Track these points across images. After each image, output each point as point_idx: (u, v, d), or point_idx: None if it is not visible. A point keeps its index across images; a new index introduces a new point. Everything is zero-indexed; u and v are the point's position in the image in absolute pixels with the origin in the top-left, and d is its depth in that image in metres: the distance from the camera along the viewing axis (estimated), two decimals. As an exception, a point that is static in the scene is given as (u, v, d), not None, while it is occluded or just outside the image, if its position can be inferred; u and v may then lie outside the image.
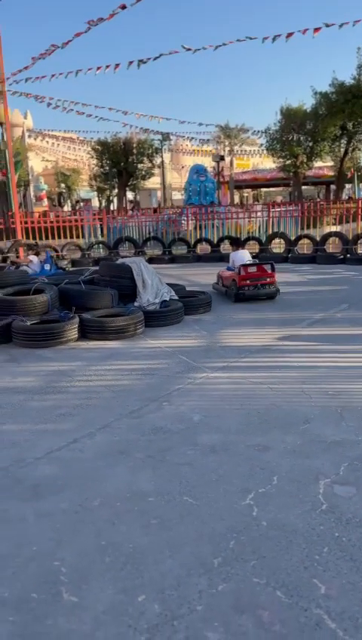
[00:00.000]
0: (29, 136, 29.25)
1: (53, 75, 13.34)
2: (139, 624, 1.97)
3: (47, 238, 17.28)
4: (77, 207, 32.72)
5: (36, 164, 35.93)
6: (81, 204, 35.34)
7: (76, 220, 18.12)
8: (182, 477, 3.05)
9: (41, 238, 17.09)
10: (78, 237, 17.95)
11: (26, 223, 16.85)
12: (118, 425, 3.86)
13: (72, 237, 17.61)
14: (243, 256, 9.14)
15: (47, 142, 27.90)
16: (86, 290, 7.54)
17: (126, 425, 3.85)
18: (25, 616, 2.03)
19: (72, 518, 2.69)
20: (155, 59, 12.42)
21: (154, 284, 7.81)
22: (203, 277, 11.39)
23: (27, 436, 3.72)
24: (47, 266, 10.16)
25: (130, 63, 12.40)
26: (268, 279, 8.58)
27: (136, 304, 7.49)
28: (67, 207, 35.45)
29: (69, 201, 37.90)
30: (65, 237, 17.41)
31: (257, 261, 9.24)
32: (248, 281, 8.46)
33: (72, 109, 16.73)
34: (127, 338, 6.47)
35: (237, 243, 9.83)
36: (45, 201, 36.14)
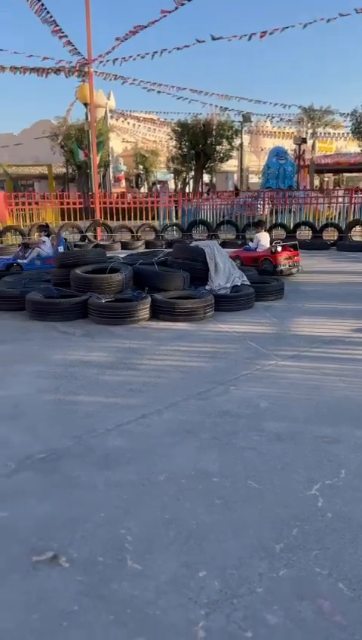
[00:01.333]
0: (111, 117, 29.75)
1: (138, 55, 13.45)
2: (200, 598, 2.02)
3: (123, 219, 17.65)
4: (153, 189, 33.05)
5: (116, 145, 36.55)
6: (158, 185, 35.63)
7: (152, 202, 18.32)
8: (247, 461, 3.06)
9: (118, 219, 17.48)
10: (153, 219, 18.18)
11: (104, 203, 17.27)
12: (185, 405, 3.92)
13: (147, 219, 17.86)
14: (267, 238, 10.28)
15: (128, 123, 28.25)
16: (159, 271, 7.64)
17: (193, 405, 3.91)
18: (91, 578, 2.15)
19: (139, 490, 2.79)
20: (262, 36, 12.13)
21: (226, 268, 7.78)
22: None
23: (99, 408, 3.88)
24: (60, 248, 10.03)
25: (214, 38, 12.21)
26: (296, 257, 9.96)
27: (207, 287, 7.51)
28: (144, 189, 35.87)
29: (145, 183, 38.32)
30: (140, 218, 17.68)
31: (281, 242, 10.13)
32: (284, 260, 9.58)
33: (153, 89, 16.80)
34: (197, 321, 6.52)
35: (262, 225, 11.18)
36: (123, 182, 36.75)
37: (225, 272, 7.68)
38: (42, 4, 11.82)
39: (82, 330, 6.16)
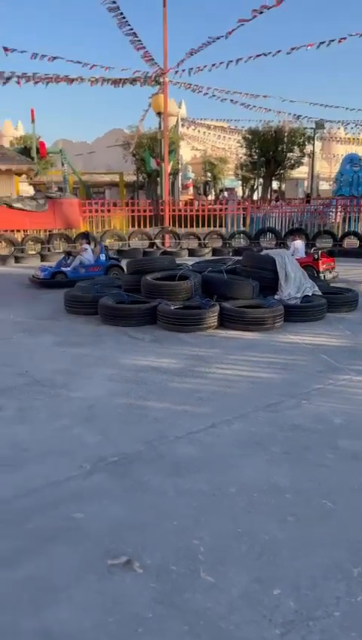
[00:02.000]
0: (182, 125, 30.15)
1: (213, 65, 13.55)
2: (274, 617, 1.98)
3: (191, 226, 17.80)
4: (220, 196, 33.09)
5: (185, 152, 36.98)
6: (225, 193, 35.65)
7: (221, 210, 18.35)
8: (321, 479, 2.98)
9: (186, 226, 17.64)
10: (220, 226, 18.19)
11: (174, 211, 17.50)
12: (254, 416, 3.88)
13: (215, 226, 17.90)
14: (303, 245, 10.63)
15: (199, 131, 28.51)
16: (228, 279, 7.63)
17: (263, 417, 3.85)
18: (164, 586, 2.16)
19: (210, 499, 2.78)
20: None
21: (297, 277, 7.64)
22: (349, 273, 10.84)
23: (168, 415, 3.92)
24: (102, 256, 10.27)
25: (292, 49, 12.11)
26: (332, 264, 10.23)
27: (276, 297, 7.41)
28: (211, 196, 36.02)
29: (213, 190, 38.46)
30: (208, 226, 17.75)
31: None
32: (324, 266, 9.80)
33: (226, 99, 16.86)
34: (266, 330, 6.44)
35: (301, 232, 11.71)
36: (191, 190, 37.11)
37: (295, 281, 7.55)
38: (124, 18, 12.21)
39: (151, 336, 6.26)
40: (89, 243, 10.65)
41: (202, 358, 5.38)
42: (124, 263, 9.88)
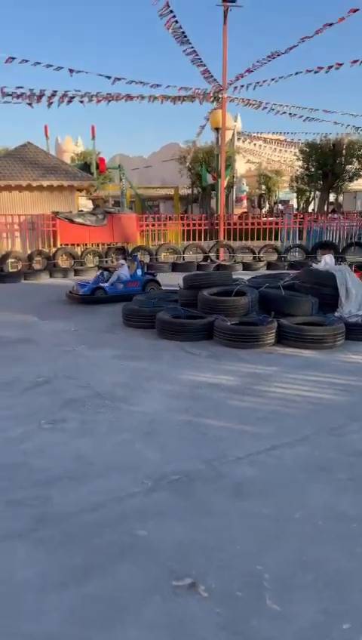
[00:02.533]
0: (238, 139, 30.27)
1: (273, 80, 13.56)
2: (345, 654, 1.93)
3: (245, 239, 17.75)
4: (275, 209, 32.86)
5: (240, 165, 37.03)
6: (280, 206, 35.36)
7: (276, 223, 18.20)
8: (389, 509, 2.87)
9: (240, 239, 17.61)
10: (275, 239, 18.02)
11: (228, 224, 17.53)
12: (317, 439, 3.80)
13: (269, 239, 17.76)
14: (333, 259, 10.37)
15: (255, 144, 28.53)
16: (286, 295, 7.54)
17: (326, 441, 3.77)
18: (230, 612, 2.15)
19: (274, 525, 2.74)
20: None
21: (358, 294, 7.45)
22: None
23: (228, 434, 3.90)
24: (138, 272, 10.16)
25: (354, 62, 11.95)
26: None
27: (336, 314, 7.25)
28: (265, 209, 35.84)
29: (267, 203, 38.26)
30: (263, 239, 17.64)
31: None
32: None
33: (285, 112, 16.80)
34: (326, 349, 6.30)
35: (330, 247, 11.55)
36: (245, 202, 37.07)
37: (357, 298, 7.36)
38: (185, 36, 12.47)
39: (208, 352, 6.26)
40: (125, 258, 10.43)
41: (260, 375, 5.34)
42: (164, 276, 9.87)
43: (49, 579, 2.35)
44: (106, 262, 14.43)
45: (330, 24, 10.48)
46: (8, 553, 2.55)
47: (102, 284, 9.84)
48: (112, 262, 12.72)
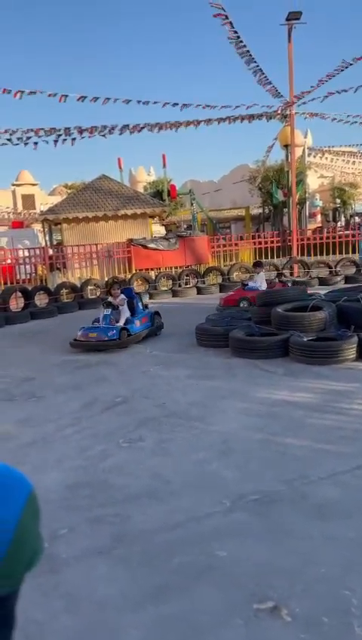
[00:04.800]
0: (309, 154, 29.89)
1: (343, 91, 13.32)
2: None
3: (321, 254, 17.32)
4: (351, 222, 31.84)
5: (312, 181, 36.43)
6: (356, 218, 34.23)
7: (353, 235, 17.62)
8: None
9: (315, 255, 17.22)
10: (353, 252, 17.43)
11: (302, 240, 17.22)
12: None
13: (346, 253, 17.21)
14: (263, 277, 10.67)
15: (326, 158, 27.99)
16: (366, 308, 7.22)
17: None
18: (316, 638, 2.03)
19: (360, 548, 2.57)
20: None
21: None
22: None
23: (308, 453, 3.75)
24: (140, 305, 8.83)
25: None
26: None
27: None
28: (341, 223, 34.85)
29: (343, 216, 37.20)
30: (339, 253, 17.13)
31: None
32: None
33: (356, 122, 16.38)
34: None
35: (262, 265, 11.35)
36: (318, 217, 36.31)
37: None
38: (250, 55, 12.62)
39: (284, 369, 6.11)
40: (123, 292, 8.81)
41: (341, 392, 5.11)
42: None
43: (128, 597, 2.35)
44: (179, 285, 14.62)
45: None
46: (89, 570, 2.58)
47: (124, 325, 8.17)
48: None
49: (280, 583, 2.35)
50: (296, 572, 2.43)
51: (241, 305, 9.95)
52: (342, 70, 12.25)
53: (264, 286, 10.51)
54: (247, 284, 10.80)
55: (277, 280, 11.31)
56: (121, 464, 3.78)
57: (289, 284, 10.71)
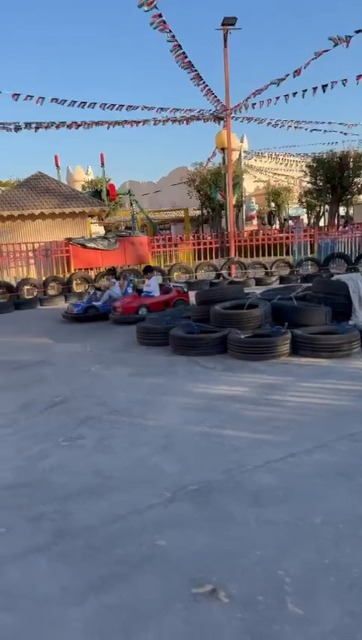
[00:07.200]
0: (245, 158, 30.66)
1: (277, 98, 13.79)
2: (371, 655, 1.88)
3: (256, 255, 17.82)
4: (285, 225, 32.98)
5: (249, 185, 37.40)
6: (290, 222, 35.49)
7: (287, 238, 18.26)
8: None
9: (251, 256, 17.69)
10: (287, 254, 18.07)
11: (239, 242, 17.64)
12: (335, 445, 3.75)
13: (281, 254, 17.81)
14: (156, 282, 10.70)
15: (261, 161, 28.83)
16: (298, 306, 7.54)
17: (345, 447, 3.72)
18: (253, 616, 2.12)
19: (294, 530, 2.71)
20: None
21: (372, 302, 7.40)
22: None
23: (245, 443, 3.88)
24: (129, 289, 10.79)
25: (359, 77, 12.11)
26: None
27: (351, 322, 7.20)
28: (276, 226, 35.99)
29: (277, 220, 38.44)
30: (274, 254, 17.70)
31: None
32: None
33: (290, 126, 16.99)
34: (341, 357, 6.25)
35: (153, 270, 11.16)
36: (255, 220, 37.31)
37: (370, 306, 7.31)
38: (189, 62, 12.79)
39: (223, 365, 6.26)
40: (117, 278, 11.23)
41: (276, 386, 5.31)
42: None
43: (70, 591, 2.35)
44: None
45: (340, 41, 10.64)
46: (30, 568, 2.56)
47: (95, 303, 10.45)
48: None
49: (219, 568, 2.44)
50: (233, 556, 2.53)
51: (140, 312, 9.75)
52: (280, 82, 12.71)
53: (158, 291, 10.42)
54: (142, 290, 10.54)
55: (171, 285, 11.26)
56: (61, 463, 3.75)
57: (185, 290, 10.79)
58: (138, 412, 4.73)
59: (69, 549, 2.67)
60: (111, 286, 10.90)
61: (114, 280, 11.19)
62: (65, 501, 3.17)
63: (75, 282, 14.65)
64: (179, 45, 11.92)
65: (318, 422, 4.25)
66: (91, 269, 15.49)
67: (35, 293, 14.12)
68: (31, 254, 15.21)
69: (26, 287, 14.12)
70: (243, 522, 2.82)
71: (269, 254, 17.68)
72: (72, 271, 15.15)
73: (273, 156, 29.48)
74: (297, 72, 12.07)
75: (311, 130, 17.27)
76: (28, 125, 14.77)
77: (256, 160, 29.54)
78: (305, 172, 30.67)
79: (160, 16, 10.73)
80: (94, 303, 10.47)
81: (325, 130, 17.54)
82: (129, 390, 5.45)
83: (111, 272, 11.96)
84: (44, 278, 14.79)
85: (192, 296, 9.89)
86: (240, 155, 29.46)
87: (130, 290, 10.83)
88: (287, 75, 12.46)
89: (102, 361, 6.86)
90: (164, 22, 10.83)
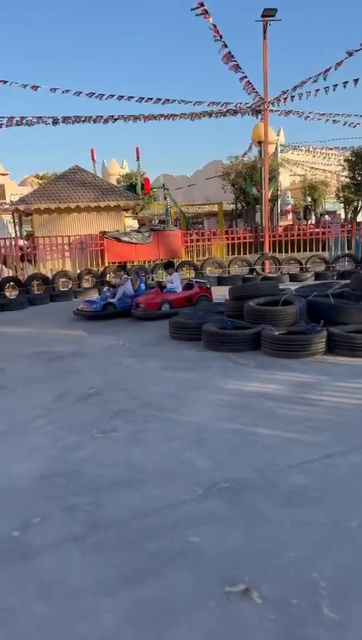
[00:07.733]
0: (281, 151, 30.22)
1: (317, 91, 13.52)
2: None
3: (292, 251, 17.58)
4: (321, 220, 32.38)
5: (284, 178, 36.88)
6: (326, 216, 34.82)
7: (323, 233, 17.93)
8: None
9: (286, 251, 17.46)
10: (323, 250, 17.75)
11: (273, 237, 17.42)
12: (372, 447, 3.67)
13: (316, 250, 17.50)
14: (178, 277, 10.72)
15: (298, 154, 28.37)
16: (335, 303, 7.39)
17: (382, 449, 3.63)
18: (286, 619, 2.09)
19: (329, 532, 2.66)
20: None
21: None
22: None
23: (278, 442, 3.84)
24: (142, 286, 10.60)
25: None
26: None
27: (389, 321, 7.01)
28: (312, 220, 35.39)
29: (313, 214, 37.79)
30: (310, 250, 17.41)
31: None
32: None
33: (328, 120, 16.65)
34: (379, 357, 6.10)
35: (173, 266, 11.08)
36: (290, 215, 36.77)
37: None
38: (230, 53, 12.66)
39: (255, 362, 6.20)
40: (128, 274, 10.80)
41: (310, 384, 5.23)
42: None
43: (103, 582, 2.38)
44: (152, 279, 14.64)
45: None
46: (64, 557, 2.59)
47: (111, 300, 10.09)
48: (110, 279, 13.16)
49: (252, 567, 2.41)
50: (267, 556, 2.50)
51: (163, 308, 9.57)
52: (319, 76, 12.44)
53: (180, 287, 10.29)
54: (165, 287, 10.29)
55: (193, 281, 11.11)
56: (94, 454, 3.79)
57: (208, 285, 10.70)
58: (170, 406, 4.73)
59: (102, 541, 2.70)
60: (124, 282, 10.50)
61: (126, 276, 10.73)
62: (99, 492, 3.20)
63: (109, 275, 14.78)
64: (220, 36, 11.80)
65: (353, 422, 4.16)
66: (125, 262, 15.59)
67: (70, 286, 14.32)
68: (67, 247, 15.41)
69: (61, 279, 14.32)
70: (277, 522, 2.79)
71: (304, 250, 17.40)
72: (106, 264, 15.29)
73: (310, 149, 28.93)
74: (339, 64, 11.79)
75: (351, 125, 16.85)
76: (66, 119, 14.92)
77: (292, 153, 29.05)
78: (343, 166, 30.02)
79: (201, 5, 10.61)
80: (111, 301, 10.08)
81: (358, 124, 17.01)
82: (161, 384, 5.47)
83: (122, 268, 11.73)
84: (78, 271, 14.97)
85: (224, 291, 9.83)
86: (276, 148, 29.04)
87: (143, 287, 10.62)
88: (330, 68, 12.18)
89: (134, 354, 6.90)
90: (206, 11, 10.70)
